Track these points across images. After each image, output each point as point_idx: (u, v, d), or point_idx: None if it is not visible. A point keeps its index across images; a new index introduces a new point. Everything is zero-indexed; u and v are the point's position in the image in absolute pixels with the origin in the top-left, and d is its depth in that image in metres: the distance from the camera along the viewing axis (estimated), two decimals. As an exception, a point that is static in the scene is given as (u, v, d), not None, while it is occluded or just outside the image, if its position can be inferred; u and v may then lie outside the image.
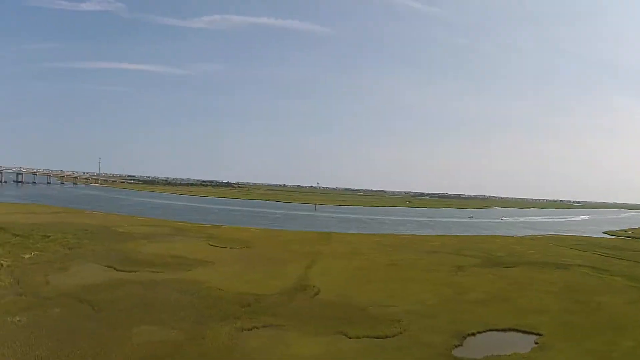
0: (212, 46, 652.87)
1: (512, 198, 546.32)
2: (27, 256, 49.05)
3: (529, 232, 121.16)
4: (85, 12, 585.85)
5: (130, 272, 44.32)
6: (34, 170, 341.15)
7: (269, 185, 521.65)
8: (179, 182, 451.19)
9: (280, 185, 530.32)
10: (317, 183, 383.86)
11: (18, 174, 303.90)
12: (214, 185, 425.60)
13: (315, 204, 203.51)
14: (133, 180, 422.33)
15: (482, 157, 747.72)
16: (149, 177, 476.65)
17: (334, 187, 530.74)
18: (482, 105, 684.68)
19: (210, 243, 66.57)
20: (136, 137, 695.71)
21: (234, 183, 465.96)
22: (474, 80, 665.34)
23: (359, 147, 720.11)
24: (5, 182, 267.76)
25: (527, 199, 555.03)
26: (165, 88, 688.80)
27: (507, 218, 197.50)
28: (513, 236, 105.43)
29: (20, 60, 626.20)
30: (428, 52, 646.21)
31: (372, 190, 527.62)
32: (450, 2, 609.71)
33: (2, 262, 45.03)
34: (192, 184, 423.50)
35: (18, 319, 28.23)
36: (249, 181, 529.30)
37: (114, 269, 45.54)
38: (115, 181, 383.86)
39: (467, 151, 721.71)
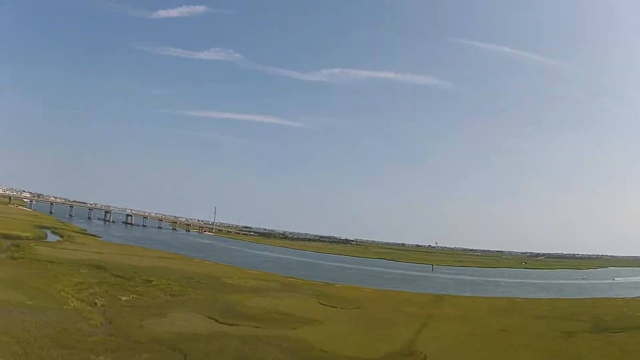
0: (331, 99, 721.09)
1: (625, 257, 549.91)
2: (124, 298, 55.86)
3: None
4: (203, 61, 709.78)
5: (231, 325, 47.96)
6: (146, 213, 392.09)
7: (387, 243, 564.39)
8: (296, 236, 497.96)
9: (398, 244, 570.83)
10: (436, 242, 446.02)
11: (128, 215, 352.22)
12: (332, 242, 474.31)
13: (432, 265, 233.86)
14: (249, 231, 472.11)
15: (596, 214, 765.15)
16: (265, 229, 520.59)
17: (452, 246, 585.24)
18: (597, 160, 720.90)
19: (321, 301, 71.39)
20: (254, 188, 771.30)
21: (352, 240, 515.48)
22: (591, 135, 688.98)
23: (476, 206, 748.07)
24: (113, 222, 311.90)
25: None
26: (283, 140, 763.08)
27: (619, 279, 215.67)
28: (622, 298, 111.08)
29: (141, 104, 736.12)
30: (546, 105, 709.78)
31: (489, 251, 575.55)
32: (569, 54, 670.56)
33: (97, 300, 51.83)
34: (309, 239, 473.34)
35: (102, 358, 31.79)
36: (367, 238, 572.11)
37: (215, 320, 49.66)
38: (230, 231, 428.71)
39: (581, 208, 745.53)
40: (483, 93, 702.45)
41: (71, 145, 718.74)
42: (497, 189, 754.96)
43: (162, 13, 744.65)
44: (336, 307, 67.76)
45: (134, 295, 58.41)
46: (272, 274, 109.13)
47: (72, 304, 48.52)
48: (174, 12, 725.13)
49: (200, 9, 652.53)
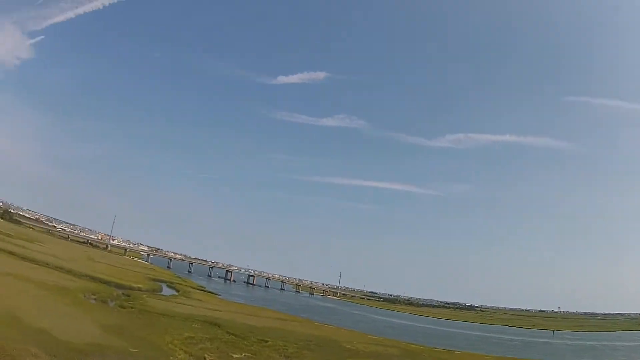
0: (457, 166, 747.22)
1: None
2: (235, 356, 55.96)
3: None
4: (327, 127, 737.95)
5: None
6: (269, 274, 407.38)
7: (511, 309, 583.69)
8: (421, 302, 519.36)
9: (522, 310, 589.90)
10: (559, 307, 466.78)
11: (250, 275, 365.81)
12: (456, 308, 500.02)
13: (552, 330, 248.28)
14: (374, 297, 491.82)
15: None
16: (391, 295, 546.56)
17: (574, 310, 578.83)
18: None
19: None
20: (379, 254, 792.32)
21: (476, 306, 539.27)
22: None
23: (598, 267, 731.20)
24: (234, 281, 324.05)
25: None
26: (408, 207, 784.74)
27: None
28: None
29: (265, 168, 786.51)
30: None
31: (608, 314, 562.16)
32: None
33: (206, 356, 52.18)
34: (434, 305, 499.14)
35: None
36: (491, 304, 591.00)
37: None
38: (355, 296, 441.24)
39: None
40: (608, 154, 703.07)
41: (194, 205, 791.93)
42: (618, 248, 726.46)
43: (283, 79, 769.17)
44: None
45: (247, 354, 58.43)
46: (393, 340, 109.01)
47: (178, 357, 49.43)
48: (294, 78, 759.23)
49: (321, 75, 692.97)
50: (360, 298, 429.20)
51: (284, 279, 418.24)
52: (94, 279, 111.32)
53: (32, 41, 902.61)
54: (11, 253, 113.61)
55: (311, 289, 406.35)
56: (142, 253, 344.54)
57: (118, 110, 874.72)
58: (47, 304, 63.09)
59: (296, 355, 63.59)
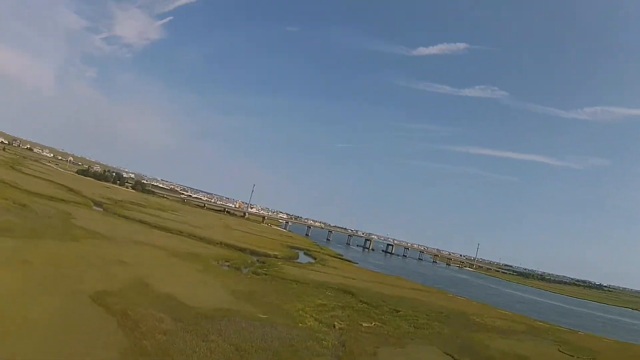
0: (594, 139, 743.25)
1: None
2: (365, 324, 56.56)
3: None
4: (467, 97, 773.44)
5: None
6: (407, 244, 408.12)
7: (637, 291, 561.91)
8: (553, 278, 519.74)
9: None
10: None
11: (389, 244, 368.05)
12: (585, 286, 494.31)
13: None
14: (508, 270, 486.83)
15: None
16: (525, 269, 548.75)
17: None
18: None
19: (560, 349, 69.42)
20: (517, 227, 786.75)
21: (604, 285, 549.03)
22: None
23: None
24: (373, 250, 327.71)
25: None
26: (547, 179, 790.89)
27: None
28: None
29: (405, 139, 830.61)
30: None
31: None
32: None
33: (336, 323, 53.07)
34: (565, 282, 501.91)
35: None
36: (618, 284, 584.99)
37: (452, 357, 48.72)
38: (490, 269, 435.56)
39: None
40: None
41: (333, 175, 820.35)
42: None
43: (423, 50, 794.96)
44: (572, 356, 64.25)
45: (377, 323, 58.93)
46: (521, 316, 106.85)
47: (308, 323, 50.61)
48: (434, 50, 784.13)
49: (461, 46, 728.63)
50: (495, 271, 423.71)
51: (422, 248, 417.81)
52: (228, 246, 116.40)
53: (161, 22, 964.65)
54: (143, 222, 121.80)
55: (448, 260, 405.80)
56: (281, 221, 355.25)
57: (253, 84, 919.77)
58: (177, 271, 66.91)
59: (425, 326, 63.46)
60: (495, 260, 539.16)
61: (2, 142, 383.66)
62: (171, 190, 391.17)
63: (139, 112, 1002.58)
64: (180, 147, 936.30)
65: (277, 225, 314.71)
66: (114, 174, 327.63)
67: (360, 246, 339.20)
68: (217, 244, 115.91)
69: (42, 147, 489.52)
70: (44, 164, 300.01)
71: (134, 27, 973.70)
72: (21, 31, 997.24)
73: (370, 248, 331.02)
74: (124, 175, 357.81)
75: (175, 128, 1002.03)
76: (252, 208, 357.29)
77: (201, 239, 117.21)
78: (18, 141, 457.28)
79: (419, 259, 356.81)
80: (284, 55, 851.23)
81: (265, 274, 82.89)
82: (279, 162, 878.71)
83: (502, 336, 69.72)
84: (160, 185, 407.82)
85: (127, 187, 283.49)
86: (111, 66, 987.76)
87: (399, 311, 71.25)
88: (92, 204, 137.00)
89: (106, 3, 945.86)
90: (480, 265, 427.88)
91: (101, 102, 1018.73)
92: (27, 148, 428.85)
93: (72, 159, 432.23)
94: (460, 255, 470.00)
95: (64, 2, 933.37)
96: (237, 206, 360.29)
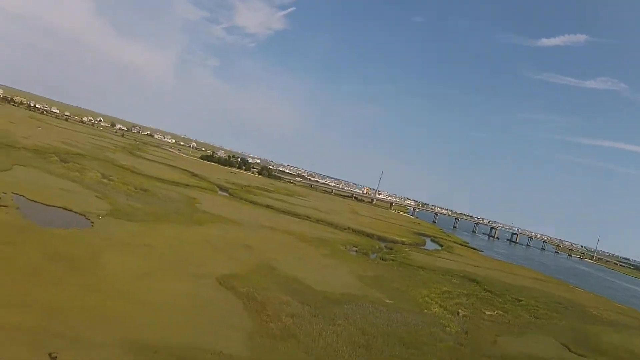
0: None
1: None
2: (488, 312, 58.70)
3: None
4: (589, 89, 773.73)
5: (580, 356, 48.59)
6: (531, 233, 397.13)
7: None
8: None
9: None
10: None
11: (513, 233, 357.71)
12: None
13: None
14: (626, 263, 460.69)
15: None
16: None
17: None
18: None
19: None
20: (637, 220, 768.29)
21: None
22: None
23: None
24: (497, 238, 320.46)
25: None
26: None
27: None
28: None
29: (530, 130, 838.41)
30: None
31: None
32: None
33: (460, 311, 55.65)
34: None
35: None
36: None
37: (568, 348, 50.10)
38: (609, 261, 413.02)
39: None
40: None
41: (461, 162, 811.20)
42: None
43: (545, 42, 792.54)
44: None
45: (499, 312, 60.78)
46: (637, 311, 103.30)
47: (433, 310, 53.37)
48: (556, 41, 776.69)
49: (582, 37, 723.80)
50: (614, 264, 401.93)
51: (545, 238, 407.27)
52: (356, 231, 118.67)
53: (283, 13, 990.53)
54: (270, 207, 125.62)
55: (569, 251, 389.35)
56: (408, 207, 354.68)
57: (379, 72, 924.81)
58: (304, 255, 69.83)
59: (544, 317, 64.51)
60: (615, 252, 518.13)
61: (120, 128, 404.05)
62: (298, 175, 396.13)
63: (263, 99, 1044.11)
64: (305, 133, 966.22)
65: (405, 212, 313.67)
66: (239, 159, 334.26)
67: (485, 234, 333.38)
68: (345, 229, 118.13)
69: (164, 133, 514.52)
70: (165, 149, 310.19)
71: (255, 18, 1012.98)
72: (142, 24, 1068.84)
73: (495, 236, 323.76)
74: (250, 161, 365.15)
75: (299, 115, 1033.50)
76: (379, 194, 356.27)
77: (329, 224, 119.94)
78: (138, 127, 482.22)
79: (542, 248, 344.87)
80: (409, 45, 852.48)
81: (393, 260, 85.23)
82: (407, 150, 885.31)
83: (615, 330, 69.10)
84: (287, 171, 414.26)
85: (252, 172, 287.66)
86: (234, 55, 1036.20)
87: (521, 300, 72.27)
88: (217, 189, 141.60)
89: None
90: (600, 257, 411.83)
91: (224, 90, 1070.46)
92: (147, 134, 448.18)
93: (194, 145, 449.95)
94: (581, 247, 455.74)
95: None
96: (364, 192, 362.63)
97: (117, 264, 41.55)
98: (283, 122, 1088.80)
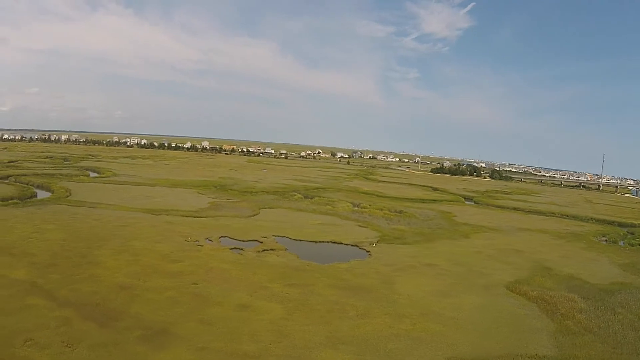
0: None
1: None
2: None
3: None
4: None
5: None
6: None
7: None
8: None
9: None
10: None
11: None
12: None
13: None
14: None
15: None
16: None
17: None
18: None
19: None
20: None
21: None
22: None
23: None
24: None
25: None
26: None
27: None
28: None
29: None
30: None
31: None
32: None
33: None
34: None
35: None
36: None
37: None
38: None
39: None
40: None
41: None
42: None
43: None
44: None
45: None
46: None
47: None
48: None
49: None
50: None
51: None
52: (597, 220, 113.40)
53: (465, 10, 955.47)
54: (517, 209, 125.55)
55: None
56: (630, 188, 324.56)
57: (575, 49, 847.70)
58: (567, 252, 69.63)
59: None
60: None
61: (341, 156, 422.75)
62: (524, 172, 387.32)
63: (469, 100, 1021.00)
64: (514, 127, 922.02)
65: (628, 193, 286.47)
66: (464, 166, 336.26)
67: None
68: (587, 219, 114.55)
69: (385, 154, 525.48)
70: (394, 169, 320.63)
71: (441, 21, 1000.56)
72: (329, 52, 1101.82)
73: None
74: (477, 166, 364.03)
75: (506, 109, 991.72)
76: (602, 179, 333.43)
77: (573, 217, 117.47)
78: (359, 152, 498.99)
79: None
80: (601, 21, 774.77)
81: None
82: (623, 127, 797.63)
83: None
84: (513, 170, 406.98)
85: (484, 177, 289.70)
86: (431, 63, 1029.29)
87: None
88: (462, 199, 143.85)
89: (404, 6, 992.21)
90: None
91: (430, 98, 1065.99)
92: (369, 157, 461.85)
93: (419, 159, 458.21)
94: None
95: (362, 14, 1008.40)
96: (588, 179, 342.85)
97: (411, 287, 44.26)
98: (491, 119, 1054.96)
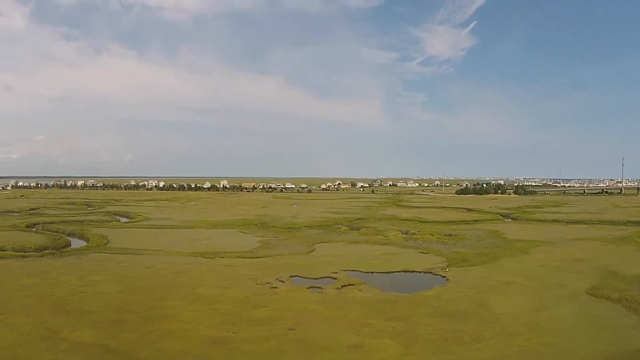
0: None
1: None
2: None
3: None
4: None
5: None
6: None
7: None
8: None
9: None
10: None
11: None
12: None
13: None
14: None
15: None
16: None
17: None
18: None
19: None
20: None
21: None
22: None
23: None
24: None
25: None
26: None
27: None
28: None
29: None
30: None
31: None
32: None
33: None
34: None
35: None
36: None
37: None
38: None
39: None
40: None
41: None
42: None
43: None
44: None
45: None
46: None
47: None
48: None
49: None
50: None
51: None
52: (634, 223, 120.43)
53: (467, 30, 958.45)
54: (556, 221, 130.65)
55: None
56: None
57: (583, 55, 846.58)
58: (621, 254, 74.68)
59: None
60: None
61: (362, 186, 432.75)
62: (544, 185, 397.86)
63: (479, 118, 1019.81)
64: (528, 140, 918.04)
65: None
66: (484, 185, 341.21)
67: None
68: (624, 223, 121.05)
69: (405, 180, 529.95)
70: (419, 194, 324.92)
71: (444, 42, 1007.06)
72: (334, 81, 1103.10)
73: None
74: (501, 184, 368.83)
75: (518, 123, 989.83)
76: (620, 183, 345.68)
77: (610, 222, 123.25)
78: (379, 180, 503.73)
79: None
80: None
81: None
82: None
83: None
84: (532, 184, 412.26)
85: (509, 194, 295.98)
86: (437, 85, 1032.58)
87: None
88: (500, 217, 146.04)
89: (406, 31, 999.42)
90: None
91: (439, 120, 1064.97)
92: (389, 185, 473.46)
93: (438, 182, 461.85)
94: None
95: (366, 41, 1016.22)
96: (607, 185, 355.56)
97: (505, 306, 45.37)
98: (503, 137, 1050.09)
